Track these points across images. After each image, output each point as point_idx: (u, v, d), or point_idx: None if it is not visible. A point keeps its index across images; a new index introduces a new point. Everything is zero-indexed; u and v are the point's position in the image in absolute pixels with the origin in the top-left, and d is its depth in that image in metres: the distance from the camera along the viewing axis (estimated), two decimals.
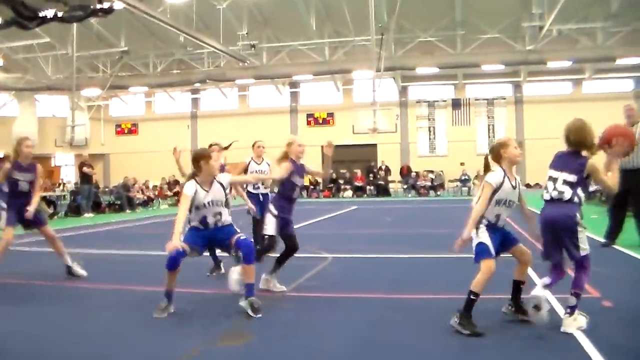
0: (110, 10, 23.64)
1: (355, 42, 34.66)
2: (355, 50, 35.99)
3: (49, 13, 23.21)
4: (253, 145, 10.72)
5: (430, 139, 41.37)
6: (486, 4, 31.99)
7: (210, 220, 6.70)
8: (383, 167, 37.71)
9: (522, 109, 40.45)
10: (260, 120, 43.15)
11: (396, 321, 6.06)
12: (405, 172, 38.06)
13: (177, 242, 6.12)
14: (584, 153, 5.83)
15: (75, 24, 28.91)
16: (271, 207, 7.73)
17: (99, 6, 23.12)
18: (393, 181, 37.97)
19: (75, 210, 23.36)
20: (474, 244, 5.73)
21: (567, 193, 5.58)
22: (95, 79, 40.11)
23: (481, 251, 5.73)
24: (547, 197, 5.88)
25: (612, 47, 32.57)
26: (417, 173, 37.12)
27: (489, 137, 40.27)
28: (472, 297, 5.60)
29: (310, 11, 32.59)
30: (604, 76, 38.55)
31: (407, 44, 36.36)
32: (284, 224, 7.56)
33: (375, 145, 38.77)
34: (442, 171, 37.64)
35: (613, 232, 11.14)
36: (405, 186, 36.68)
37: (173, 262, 6.30)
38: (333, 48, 37.15)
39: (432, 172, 37.35)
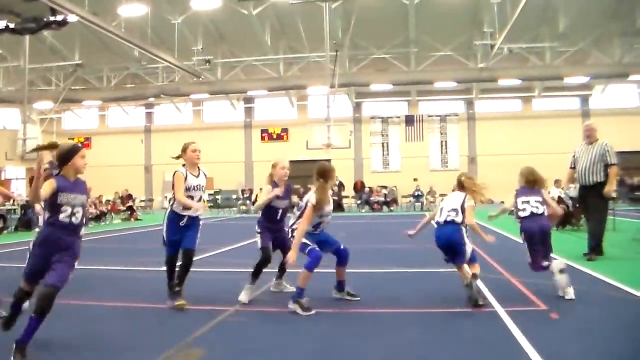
0: (64, 23, 23.43)
1: (310, 59, 34.91)
2: (310, 66, 36.23)
3: (1, 24, 22.94)
4: (185, 150, 8.57)
5: (383, 154, 41.73)
6: (439, 23, 32.49)
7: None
8: (337, 183, 37.82)
9: (474, 126, 41.11)
10: (214, 135, 43.02)
11: (348, 333, 6.16)
12: (359, 187, 38.27)
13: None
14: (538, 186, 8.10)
15: (27, 36, 28.55)
16: (256, 226, 8.07)
17: (52, 19, 22.90)
18: (347, 196, 38.15)
19: (25, 224, 22.96)
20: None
21: (541, 209, 7.52)
22: (48, 92, 39.61)
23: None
24: (526, 214, 8.02)
25: (559, 66, 33.41)
26: (370, 188, 37.32)
27: (442, 153, 40.84)
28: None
29: (265, 27, 32.73)
30: (552, 94, 39.43)
31: (361, 60, 36.74)
32: (269, 238, 7.97)
33: (329, 160, 38.91)
34: (395, 187, 37.94)
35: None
36: (359, 201, 36.85)
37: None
38: (288, 64, 37.33)
39: (385, 187, 37.59)
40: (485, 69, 33.53)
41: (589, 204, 11.37)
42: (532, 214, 7.98)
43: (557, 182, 22.36)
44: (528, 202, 8.08)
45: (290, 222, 7.60)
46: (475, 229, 7.52)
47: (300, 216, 7.38)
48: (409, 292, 8.39)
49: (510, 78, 34.57)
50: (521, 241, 8.26)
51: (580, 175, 11.46)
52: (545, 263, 7.90)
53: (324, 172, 7.37)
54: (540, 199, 8.06)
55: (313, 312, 6.95)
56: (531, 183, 8.36)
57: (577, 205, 17.43)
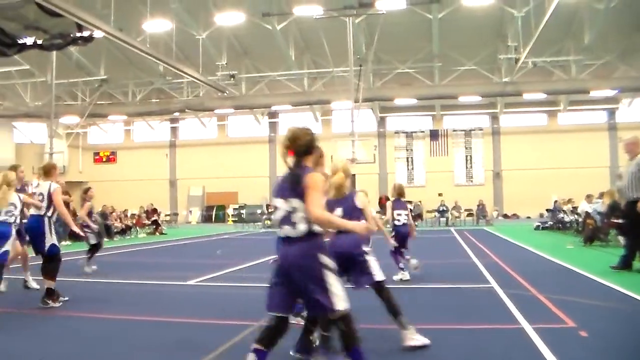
0: (90, 39, 23.67)
1: (334, 73, 34.90)
2: (334, 81, 36.24)
3: (29, 40, 23.21)
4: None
5: (408, 169, 41.58)
6: (463, 37, 32.39)
7: None
8: None
9: (499, 140, 40.82)
10: (239, 149, 43.23)
11: (374, 351, 6.07)
12: (384, 202, 38.09)
13: None
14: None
15: (54, 52, 28.86)
16: None
17: (79, 34, 23.13)
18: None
19: None
20: None
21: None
22: (74, 107, 40.00)
23: None
24: (400, 223, 10.95)
25: (585, 79, 33.14)
26: None
27: (467, 167, 40.59)
28: None
29: (290, 42, 32.83)
30: (578, 108, 39.07)
31: (385, 75, 36.73)
32: None
33: (353, 175, 38.81)
34: (420, 201, 37.77)
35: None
36: (383, 217, 36.64)
37: None
38: (312, 79, 37.40)
39: (410, 202, 37.36)
40: (509, 82, 33.35)
41: (632, 220, 11.16)
42: (404, 223, 11.03)
43: (588, 197, 22.07)
44: (400, 214, 11.03)
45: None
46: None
47: None
48: (432, 308, 8.27)
49: (535, 92, 34.31)
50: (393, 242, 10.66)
51: (625, 191, 11.31)
52: (407, 257, 10.98)
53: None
54: (407, 211, 11.28)
55: None
56: (402, 196, 11.27)
57: (605, 220, 17.20)
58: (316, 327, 5.17)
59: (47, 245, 8.76)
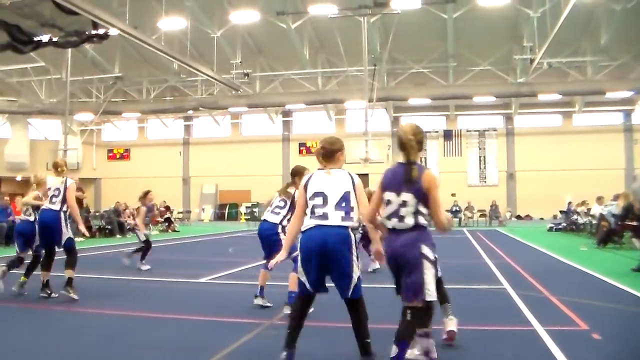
0: (105, 37, 23.80)
1: (348, 73, 34.86)
2: (348, 80, 36.19)
3: (44, 38, 23.37)
4: None
5: None
6: (478, 37, 32.27)
7: None
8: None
9: (513, 141, 40.64)
10: (252, 148, 43.27)
11: (386, 353, 6.05)
12: None
13: None
14: None
15: (70, 49, 29.00)
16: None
17: (94, 32, 23.27)
18: None
19: None
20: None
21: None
22: (88, 104, 40.19)
23: None
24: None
25: (601, 80, 32.91)
26: None
27: (480, 168, 40.46)
28: None
29: (304, 41, 32.82)
30: (593, 109, 38.83)
31: (399, 75, 36.66)
32: None
33: (366, 175, 38.64)
34: None
35: None
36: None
37: None
38: (326, 78, 37.38)
39: None
40: (524, 83, 33.19)
41: None
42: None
43: (599, 200, 21.95)
44: None
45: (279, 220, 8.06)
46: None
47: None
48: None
49: (550, 93, 34.11)
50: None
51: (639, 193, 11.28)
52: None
53: (296, 172, 8.10)
54: None
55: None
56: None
57: (620, 222, 17.10)
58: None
59: (65, 238, 8.96)
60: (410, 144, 5.11)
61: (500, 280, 10.66)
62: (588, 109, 38.77)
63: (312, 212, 5.15)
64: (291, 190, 8.19)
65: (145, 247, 13.40)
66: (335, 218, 5.05)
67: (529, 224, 35.61)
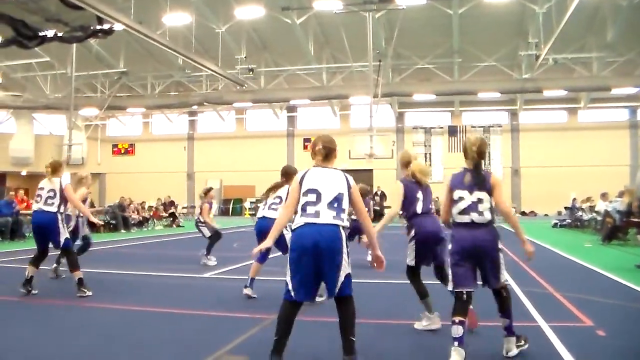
0: (110, 32, 23.83)
1: (353, 68, 34.82)
2: (353, 76, 36.14)
3: (49, 33, 23.40)
4: None
5: (426, 165, 41.43)
6: (483, 33, 32.20)
7: None
8: (379, 193, 37.63)
9: (518, 137, 40.60)
10: (257, 143, 43.31)
11: (388, 347, 6.06)
12: None
13: None
14: None
15: (75, 44, 29.02)
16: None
17: (99, 27, 23.29)
18: (389, 207, 37.90)
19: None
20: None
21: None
22: (93, 99, 40.21)
23: None
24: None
25: (607, 76, 32.76)
26: None
27: (485, 164, 40.32)
28: None
29: (309, 37, 32.77)
30: (599, 105, 38.74)
31: (404, 70, 36.59)
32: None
33: (371, 170, 38.75)
34: (437, 197, 37.49)
35: None
36: (401, 212, 36.47)
37: None
38: (331, 73, 37.35)
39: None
40: (530, 79, 33.14)
41: None
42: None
43: (603, 196, 21.91)
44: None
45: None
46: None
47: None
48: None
49: (556, 89, 33.99)
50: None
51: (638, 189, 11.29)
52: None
53: (286, 172, 8.66)
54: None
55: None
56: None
57: (625, 219, 17.07)
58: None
59: (62, 239, 8.92)
60: (472, 154, 5.77)
61: (505, 276, 10.63)
62: (593, 105, 38.70)
63: (303, 210, 5.15)
64: (283, 190, 8.61)
65: (217, 238, 13.64)
66: (327, 216, 5.07)
67: (533, 220, 35.56)
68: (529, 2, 27.68)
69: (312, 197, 5.13)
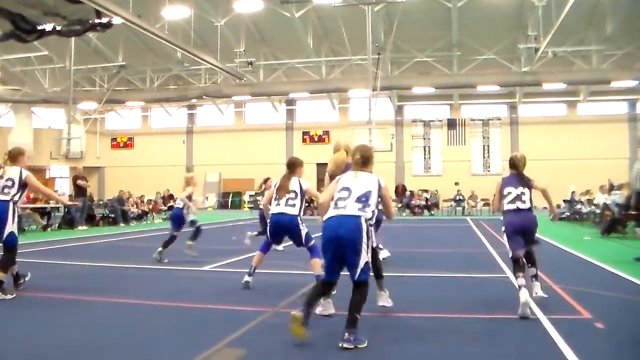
0: (108, 25, 23.78)
1: (352, 61, 34.79)
2: (352, 69, 36.12)
3: (48, 27, 23.36)
4: None
5: (425, 158, 41.46)
6: (482, 26, 32.18)
7: None
8: None
9: (517, 130, 40.57)
10: (255, 136, 43.31)
11: (391, 340, 6.07)
12: (400, 191, 37.99)
13: None
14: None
15: (73, 38, 28.98)
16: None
17: (97, 21, 23.26)
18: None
19: (69, 222, 23.19)
20: None
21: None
22: (92, 93, 40.23)
23: None
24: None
25: (606, 69, 32.75)
26: (411, 192, 36.93)
27: (484, 157, 40.42)
28: None
29: (308, 30, 32.73)
30: (598, 98, 38.73)
31: (403, 64, 36.56)
32: None
33: None
34: (436, 190, 37.58)
35: None
36: (399, 205, 36.56)
37: None
38: (330, 67, 37.34)
39: (426, 191, 37.19)
40: (529, 72, 33.14)
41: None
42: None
43: (602, 188, 21.92)
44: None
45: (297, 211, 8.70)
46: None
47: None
48: (447, 297, 8.23)
49: (555, 82, 34.01)
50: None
51: (633, 182, 11.29)
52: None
53: (292, 164, 8.90)
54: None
55: None
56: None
57: (624, 212, 17.08)
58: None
59: (6, 233, 8.26)
60: (520, 166, 8.22)
61: (503, 269, 10.66)
62: (593, 99, 38.69)
63: (335, 204, 6.00)
64: (295, 182, 8.71)
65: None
66: (352, 209, 5.86)
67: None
68: None
69: (344, 194, 6.00)
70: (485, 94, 39.01)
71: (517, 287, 7.07)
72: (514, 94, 39.59)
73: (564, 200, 30.00)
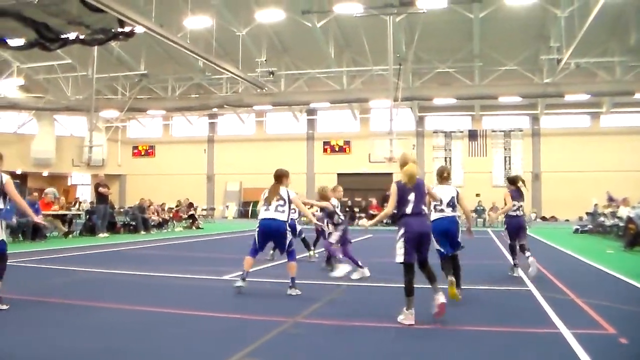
0: (131, 34, 23.98)
1: (373, 72, 34.82)
2: (373, 79, 36.12)
3: (71, 35, 23.61)
4: None
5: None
6: (504, 37, 32.06)
7: None
8: None
9: (539, 142, 40.31)
10: (276, 146, 43.32)
11: (407, 352, 6.01)
12: None
13: None
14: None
15: (96, 47, 29.22)
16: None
17: (120, 30, 23.45)
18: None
19: (90, 229, 23.34)
20: None
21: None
22: (114, 101, 40.51)
23: None
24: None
25: (630, 81, 32.47)
26: None
27: (505, 169, 40.15)
28: None
29: (329, 40, 32.78)
30: (622, 110, 38.36)
31: (424, 74, 36.48)
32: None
33: (391, 174, 38.48)
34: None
35: None
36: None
37: None
38: (351, 77, 37.36)
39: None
40: (551, 84, 32.91)
41: None
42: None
43: (624, 201, 21.67)
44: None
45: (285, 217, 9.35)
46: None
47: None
48: (468, 310, 8.13)
49: (578, 93, 33.73)
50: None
51: None
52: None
53: (280, 175, 9.63)
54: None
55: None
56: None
57: None
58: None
59: None
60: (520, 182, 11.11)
61: (525, 282, 10.55)
62: (616, 110, 38.33)
63: (435, 209, 8.82)
64: (284, 191, 9.43)
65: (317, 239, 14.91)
66: (448, 211, 8.90)
67: (554, 225, 35.31)
68: (550, 6, 27.47)
69: (438, 202, 8.83)
70: (507, 105, 38.78)
71: (513, 264, 11.57)
72: (535, 105, 39.35)
73: (587, 213, 29.72)
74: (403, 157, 7.97)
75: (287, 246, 9.28)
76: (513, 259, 11.52)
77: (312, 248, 14.29)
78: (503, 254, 16.50)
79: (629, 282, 10.66)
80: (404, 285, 7.15)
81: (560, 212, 38.50)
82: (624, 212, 21.14)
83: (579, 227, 28.35)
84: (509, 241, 11.58)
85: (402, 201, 7.45)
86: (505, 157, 40.50)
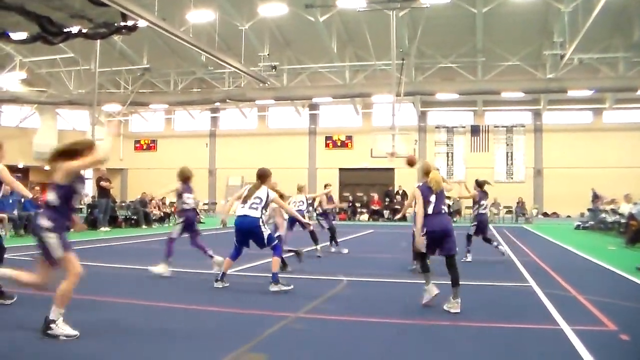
0: (133, 28, 23.93)
1: (376, 67, 34.77)
2: (376, 74, 36.07)
3: (74, 29, 23.57)
4: None
5: (448, 164, 41.20)
6: (507, 32, 32.00)
7: None
8: (400, 192, 37.56)
9: (541, 137, 40.18)
10: (278, 141, 43.25)
11: (408, 346, 6.02)
12: None
13: None
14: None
15: (99, 41, 29.19)
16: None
17: (123, 24, 23.41)
18: (410, 206, 37.69)
19: (91, 223, 23.37)
20: None
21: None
22: (116, 95, 40.48)
23: None
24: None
25: (633, 77, 32.39)
26: None
27: (507, 164, 40.09)
28: None
29: (332, 34, 32.73)
30: (625, 106, 38.23)
31: (427, 69, 36.42)
32: None
33: (392, 169, 38.65)
34: (459, 197, 37.30)
35: None
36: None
37: None
38: (353, 71, 37.29)
39: (449, 198, 36.92)
40: (554, 79, 32.83)
41: None
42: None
43: (626, 197, 21.65)
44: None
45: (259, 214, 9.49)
46: None
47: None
48: (469, 306, 8.12)
49: (581, 89, 33.59)
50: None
51: None
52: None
53: (263, 174, 9.81)
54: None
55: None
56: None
57: None
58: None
59: None
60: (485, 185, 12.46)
61: (526, 278, 10.56)
62: (619, 106, 38.18)
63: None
64: (263, 191, 9.55)
65: (334, 230, 15.60)
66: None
67: (555, 221, 35.30)
68: (554, 1, 27.42)
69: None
70: (509, 101, 38.68)
71: (467, 250, 13.65)
72: (538, 100, 39.23)
73: (588, 209, 29.71)
74: (426, 165, 8.79)
75: (266, 240, 9.37)
76: (468, 245, 13.99)
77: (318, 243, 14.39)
78: (505, 250, 16.51)
79: (630, 279, 10.66)
80: (421, 266, 8.49)
81: (562, 209, 38.41)
82: (625, 208, 21.14)
83: (580, 223, 28.34)
84: (471, 233, 14.16)
85: (425, 202, 8.30)
86: (507, 153, 40.40)
